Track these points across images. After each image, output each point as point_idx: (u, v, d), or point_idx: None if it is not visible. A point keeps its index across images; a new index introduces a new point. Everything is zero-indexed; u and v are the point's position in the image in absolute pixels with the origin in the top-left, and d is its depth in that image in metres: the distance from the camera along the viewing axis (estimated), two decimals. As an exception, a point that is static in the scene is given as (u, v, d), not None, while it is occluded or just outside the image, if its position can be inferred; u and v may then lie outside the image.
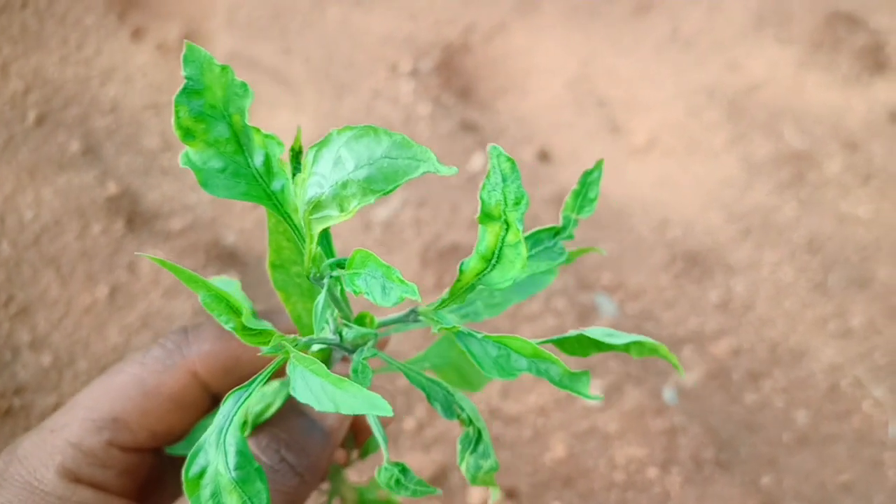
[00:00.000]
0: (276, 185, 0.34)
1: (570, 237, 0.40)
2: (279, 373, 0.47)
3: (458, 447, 0.37)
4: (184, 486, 0.33)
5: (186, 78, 0.31)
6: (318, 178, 0.31)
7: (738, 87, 1.41)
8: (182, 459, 0.45)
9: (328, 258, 0.35)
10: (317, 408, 0.30)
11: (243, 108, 0.33)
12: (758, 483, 0.91)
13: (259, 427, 0.42)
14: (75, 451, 0.40)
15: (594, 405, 0.96)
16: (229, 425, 0.33)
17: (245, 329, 0.33)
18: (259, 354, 0.35)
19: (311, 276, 0.34)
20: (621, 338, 0.37)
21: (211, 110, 0.32)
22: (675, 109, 1.37)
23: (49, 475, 0.40)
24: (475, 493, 0.85)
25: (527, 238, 0.39)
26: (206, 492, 0.33)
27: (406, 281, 0.31)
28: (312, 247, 0.33)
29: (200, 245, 1.09)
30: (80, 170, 1.15)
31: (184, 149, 0.33)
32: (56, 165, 1.16)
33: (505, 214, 0.33)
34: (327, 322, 0.37)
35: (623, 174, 1.28)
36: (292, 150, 0.35)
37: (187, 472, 0.33)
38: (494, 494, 0.42)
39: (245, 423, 0.34)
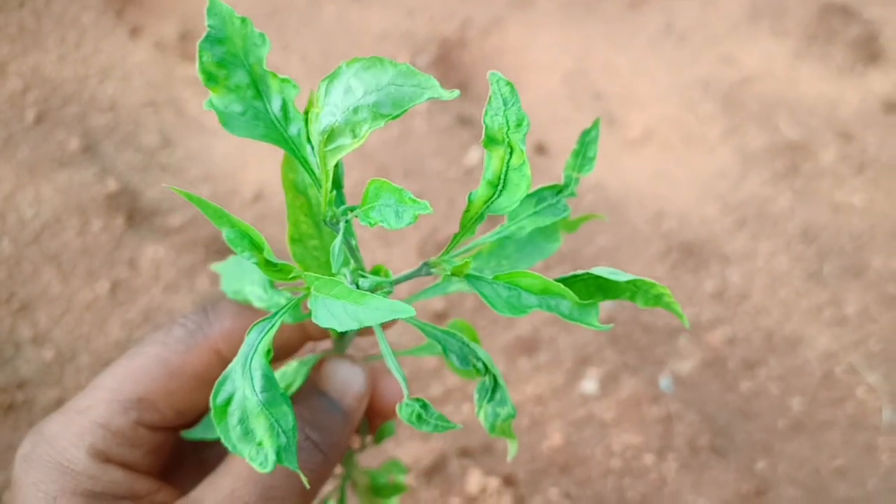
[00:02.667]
0: (292, 129, 0.35)
1: (573, 194, 0.41)
2: (297, 353, 0.47)
3: (476, 397, 0.38)
4: (212, 414, 0.33)
5: (209, 27, 0.33)
6: (331, 107, 0.33)
7: (733, 79, 1.42)
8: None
9: (342, 205, 0.36)
10: (339, 328, 0.30)
11: (261, 57, 0.35)
12: (753, 468, 0.92)
13: None
14: (104, 432, 0.41)
15: (591, 395, 0.97)
16: (254, 353, 0.34)
17: (267, 263, 0.34)
18: (280, 287, 0.35)
19: (328, 219, 0.36)
20: (625, 276, 0.37)
21: (232, 58, 0.34)
22: (671, 103, 1.38)
23: (79, 455, 0.40)
24: (473, 480, 0.86)
25: (531, 196, 0.40)
26: (233, 418, 0.33)
27: (418, 199, 0.32)
28: (328, 185, 0.35)
29: (200, 240, 1.10)
30: (79, 167, 1.16)
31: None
32: (56, 163, 1.17)
33: (508, 137, 0.34)
34: (343, 274, 0.38)
35: (619, 167, 1.29)
36: (306, 113, 0.36)
37: (214, 400, 0.33)
38: (513, 447, 0.42)
39: (270, 351, 0.34)
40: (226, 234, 0.33)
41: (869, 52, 1.44)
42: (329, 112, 0.33)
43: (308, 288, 0.34)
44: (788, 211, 1.24)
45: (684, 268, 1.16)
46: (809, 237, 1.21)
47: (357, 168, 1.21)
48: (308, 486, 0.35)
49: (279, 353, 0.45)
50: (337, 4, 1.46)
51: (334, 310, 0.31)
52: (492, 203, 0.36)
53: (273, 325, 0.35)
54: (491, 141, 0.34)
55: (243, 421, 0.33)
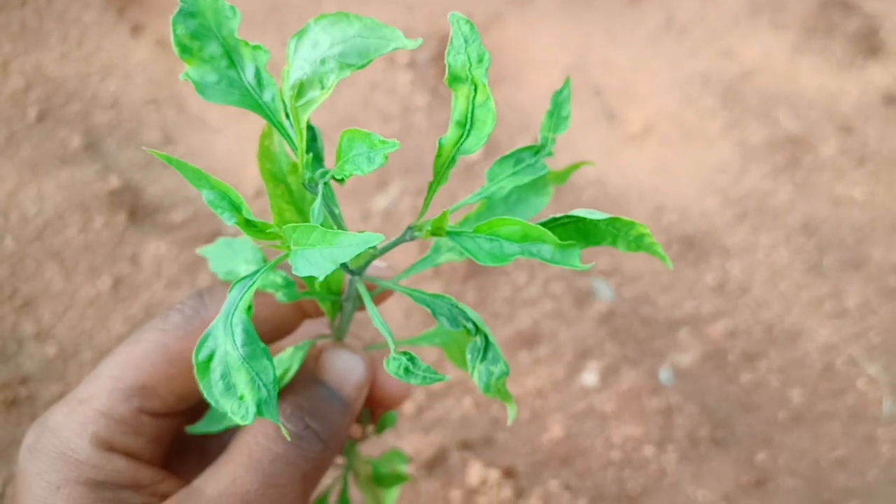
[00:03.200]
0: (266, 95, 0.36)
1: (550, 154, 0.42)
2: (292, 336, 0.48)
3: (468, 357, 0.38)
4: (195, 372, 0.34)
5: (181, 1, 0.35)
6: (300, 62, 0.34)
7: (733, 73, 1.42)
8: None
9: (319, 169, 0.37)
10: (319, 275, 0.31)
11: (233, 29, 0.36)
12: (753, 460, 0.93)
13: (280, 395, 0.43)
14: (107, 420, 0.41)
15: (591, 387, 0.97)
16: (235, 309, 0.34)
17: (247, 223, 0.34)
18: (259, 245, 0.36)
19: (306, 182, 0.36)
20: (603, 215, 0.37)
21: (205, 30, 0.35)
22: (671, 97, 1.39)
23: (83, 444, 0.40)
24: (474, 472, 0.87)
25: (508, 157, 0.41)
26: (215, 374, 0.34)
27: (386, 139, 0.33)
28: (304, 145, 0.35)
29: (202, 236, 1.11)
30: (81, 165, 1.17)
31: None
32: (58, 161, 1.17)
33: (471, 74, 0.35)
34: None
35: (619, 162, 1.29)
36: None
37: (197, 357, 0.34)
38: (512, 411, 0.41)
39: (250, 307, 0.35)
40: (205, 195, 0.33)
41: (869, 45, 1.44)
42: (298, 67, 0.34)
43: (288, 247, 0.34)
44: (789, 204, 1.24)
45: (685, 261, 1.16)
46: (810, 230, 1.21)
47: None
48: (288, 438, 0.35)
49: (276, 333, 0.46)
50: (336, 1, 1.46)
51: (312, 258, 0.32)
52: (462, 144, 0.36)
53: (254, 282, 0.35)
54: (455, 79, 0.35)
55: (225, 376, 0.33)
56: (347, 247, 0.30)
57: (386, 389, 0.49)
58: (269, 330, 0.45)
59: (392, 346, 0.36)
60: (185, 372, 0.43)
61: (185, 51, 0.35)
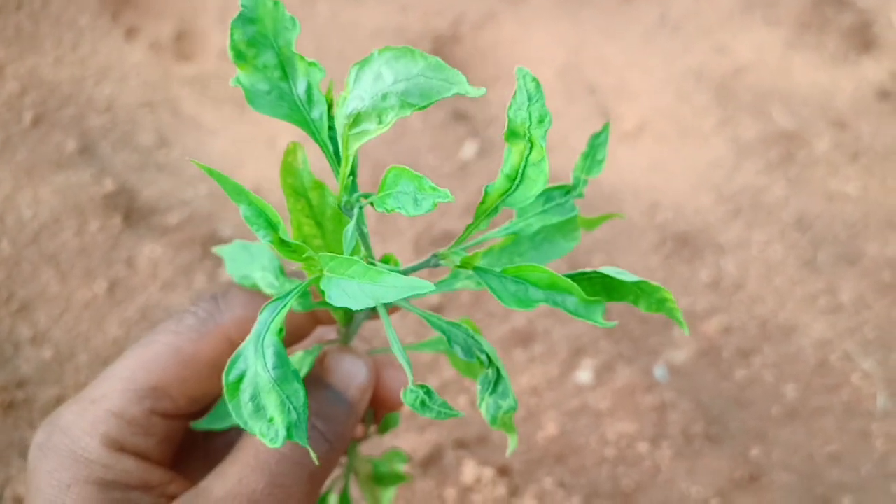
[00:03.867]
0: (315, 112, 0.36)
1: (580, 195, 0.42)
2: (317, 321, 0.48)
3: (478, 388, 0.38)
4: (224, 392, 0.34)
5: (242, 6, 0.35)
6: (360, 92, 0.34)
7: (727, 70, 1.42)
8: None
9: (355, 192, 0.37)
10: (354, 307, 0.31)
11: (290, 40, 0.36)
12: (747, 455, 0.93)
13: None
14: (119, 421, 0.41)
15: (586, 385, 0.97)
16: (266, 331, 0.34)
17: (282, 242, 0.34)
18: (290, 273, 0.36)
19: (342, 204, 0.36)
20: (630, 277, 0.38)
21: (262, 38, 0.35)
22: (665, 94, 1.39)
23: (93, 444, 0.40)
24: (468, 471, 0.87)
25: (539, 195, 0.41)
26: (245, 395, 0.34)
27: (438, 187, 0.33)
28: (346, 170, 0.35)
29: (197, 239, 1.11)
30: (77, 168, 1.17)
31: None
32: (53, 165, 1.18)
33: (529, 132, 0.35)
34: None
35: (614, 159, 1.30)
36: (329, 96, 0.37)
37: (227, 377, 0.34)
38: (513, 441, 0.42)
39: (282, 330, 0.35)
40: (243, 210, 0.34)
41: (862, 40, 1.44)
42: (357, 96, 0.34)
43: (320, 270, 0.34)
44: (783, 200, 1.24)
45: (679, 258, 1.16)
46: (804, 226, 1.21)
47: (359, 176, 1.22)
48: (318, 463, 0.36)
49: (289, 339, 0.46)
50: (330, 3, 1.46)
51: (349, 289, 0.32)
52: (507, 196, 0.36)
53: (285, 305, 0.35)
54: (512, 135, 0.35)
55: (255, 398, 0.34)
56: (391, 288, 0.30)
57: (389, 391, 0.50)
58: (284, 336, 0.46)
59: (410, 378, 0.37)
60: (197, 374, 0.43)
61: (239, 56, 0.35)
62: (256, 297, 0.45)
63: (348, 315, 0.45)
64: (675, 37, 1.47)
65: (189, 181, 1.20)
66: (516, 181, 0.36)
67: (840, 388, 1.02)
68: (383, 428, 0.54)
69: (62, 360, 0.97)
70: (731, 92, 1.39)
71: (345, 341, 0.48)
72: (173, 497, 0.42)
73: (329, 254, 0.33)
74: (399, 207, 0.33)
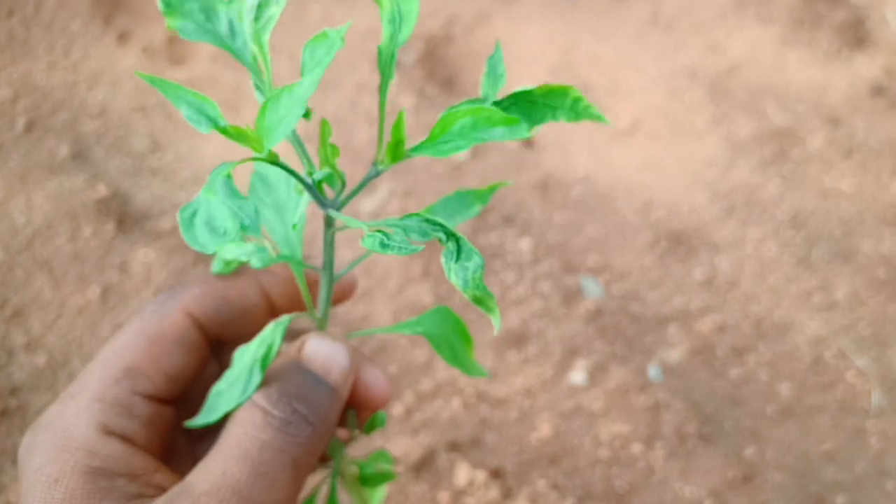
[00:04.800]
0: (238, 42, 0.41)
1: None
2: (274, 313, 0.49)
3: (443, 262, 0.38)
4: (179, 224, 0.34)
5: None
6: None
7: (720, 67, 1.42)
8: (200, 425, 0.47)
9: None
10: (290, 124, 0.34)
11: None
12: (741, 454, 0.93)
13: (265, 382, 0.44)
14: (101, 404, 0.42)
15: (580, 386, 0.97)
16: (217, 177, 0.36)
17: (224, 130, 0.36)
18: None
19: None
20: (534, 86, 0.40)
21: None
22: (658, 92, 1.39)
23: (79, 430, 0.41)
24: (461, 474, 0.87)
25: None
26: (199, 221, 0.35)
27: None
28: (266, 62, 0.39)
29: (190, 243, 1.11)
30: (70, 174, 1.17)
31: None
32: (46, 170, 1.18)
33: None
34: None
35: (607, 158, 1.30)
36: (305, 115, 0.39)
37: (182, 214, 0.35)
38: (495, 320, 0.40)
39: (230, 175, 0.36)
40: (184, 111, 0.35)
41: (856, 36, 1.44)
42: None
43: (260, 140, 0.35)
44: (777, 197, 1.24)
45: (673, 257, 1.16)
46: (798, 223, 1.21)
47: (347, 166, 1.22)
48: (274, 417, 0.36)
49: (244, 332, 0.47)
50: (321, 4, 1.46)
51: (280, 111, 0.34)
52: (397, 37, 0.39)
53: (235, 164, 0.36)
54: None
55: (209, 222, 0.34)
56: (308, 85, 0.33)
57: (370, 390, 0.50)
58: (239, 313, 0.47)
59: (365, 227, 0.37)
60: (167, 351, 0.45)
61: (168, 6, 0.39)
62: (209, 276, 0.47)
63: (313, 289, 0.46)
64: (668, 35, 1.47)
65: (182, 185, 1.20)
66: (397, 22, 0.39)
67: (835, 386, 1.02)
68: (368, 428, 0.54)
69: (56, 367, 0.97)
70: (724, 89, 1.38)
71: (321, 327, 0.48)
72: (159, 487, 0.42)
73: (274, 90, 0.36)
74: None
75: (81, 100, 1.30)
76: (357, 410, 0.53)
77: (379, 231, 0.37)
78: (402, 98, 1.33)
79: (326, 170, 0.39)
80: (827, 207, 1.23)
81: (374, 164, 0.40)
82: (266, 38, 0.39)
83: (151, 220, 1.14)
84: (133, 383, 0.43)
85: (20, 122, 1.24)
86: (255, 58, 0.41)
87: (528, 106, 0.40)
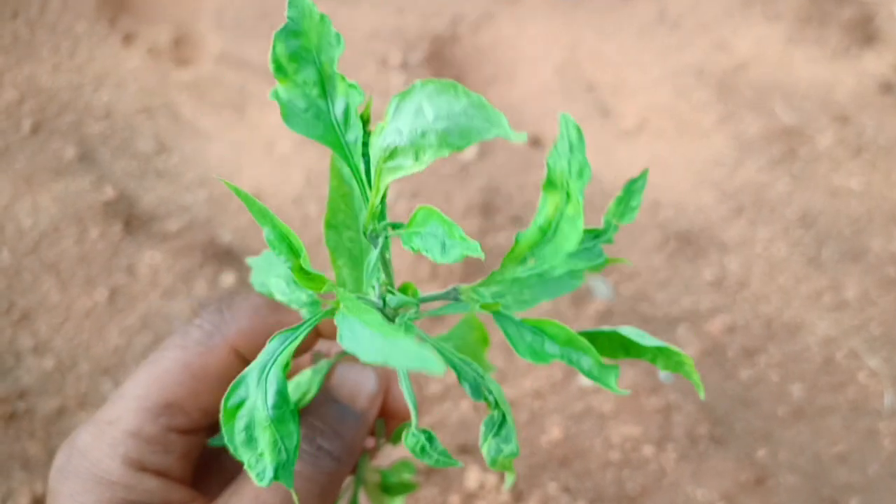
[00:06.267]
0: (350, 135, 0.35)
1: (610, 241, 0.41)
2: (320, 334, 0.48)
3: (482, 429, 0.37)
4: (220, 415, 0.33)
5: (289, 18, 0.33)
6: (398, 125, 0.32)
7: (727, 66, 1.41)
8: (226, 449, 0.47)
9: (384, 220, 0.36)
10: (363, 359, 0.29)
11: (333, 58, 0.34)
12: (752, 457, 0.92)
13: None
14: (136, 440, 0.41)
15: (589, 387, 0.97)
16: (272, 364, 0.34)
17: (301, 271, 0.34)
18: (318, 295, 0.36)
19: (368, 232, 0.35)
20: (651, 340, 0.37)
21: (305, 52, 0.34)
22: (664, 91, 1.38)
23: (114, 465, 0.40)
24: (472, 477, 0.86)
25: None
26: (240, 423, 0.33)
27: (468, 238, 0.31)
28: (376, 200, 0.34)
29: (197, 244, 1.11)
30: (76, 176, 1.17)
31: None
32: (52, 172, 1.17)
33: (567, 185, 0.33)
34: (373, 287, 0.38)
35: (613, 157, 1.29)
36: (362, 118, 0.36)
37: (226, 402, 0.34)
38: (510, 479, 0.42)
39: (288, 364, 0.34)
40: (266, 234, 0.33)
41: (864, 33, 1.43)
42: (396, 129, 0.32)
43: (337, 303, 0.33)
44: (786, 196, 1.23)
45: (682, 257, 1.16)
46: (807, 222, 1.20)
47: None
48: (297, 502, 0.36)
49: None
50: (326, 5, 1.46)
51: (361, 336, 0.30)
52: (538, 248, 0.35)
53: (296, 338, 0.35)
54: (550, 184, 0.34)
55: (249, 429, 0.33)
56: (402, 354, 0.28)
57: (399, 401, 0.50)
58: (289, 370, 0.46)
59: (414, 421, 0.36)
60: (208, 387, 0.44)
61: (280, 70, 0.34)
62: (262, 307, 0.45)
63: None
64: (674, 33, 1.46)
65: (188, 187, 1.20)
66: (548, 234, 0.34)
67: (846, 387, 1.01)
68: (395, 438, 0.54)
69: (63, 370, 0.97)
70: (731, 88, 1.38)
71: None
72: None
73: (347, 293, 0.32)
74: (426, 250, 0.32)
75: (87, 101, 1.30)
76: (386, 420, 0.53)
77: (423, 432, 0.36)
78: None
79: (400, 297, 0.37)
80: (836, 206, 1.22)
81: (456, 289, 0.38)
82: (386, 182, 0.32)
83: (158, 221, 1.14)
84: (171, 419, 0.42)
85: (26, 124, 1.24)
86: (357, 171, 0.35)
87: (634, 345, 0.38)
